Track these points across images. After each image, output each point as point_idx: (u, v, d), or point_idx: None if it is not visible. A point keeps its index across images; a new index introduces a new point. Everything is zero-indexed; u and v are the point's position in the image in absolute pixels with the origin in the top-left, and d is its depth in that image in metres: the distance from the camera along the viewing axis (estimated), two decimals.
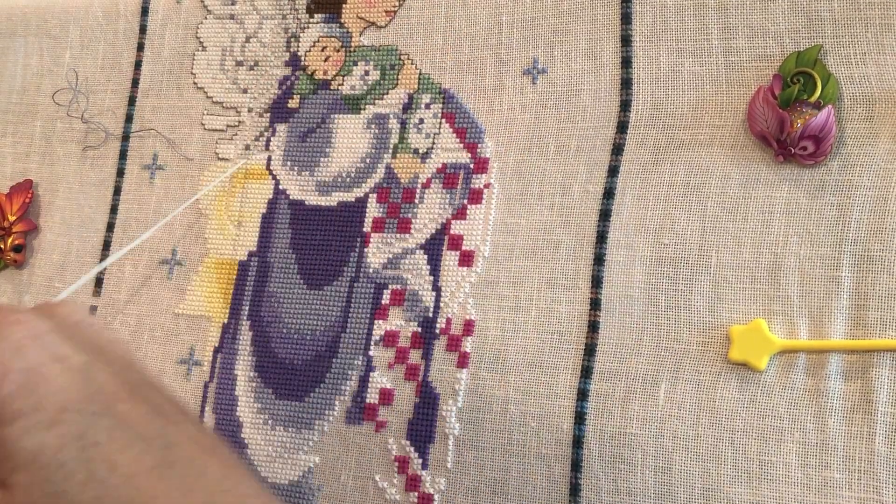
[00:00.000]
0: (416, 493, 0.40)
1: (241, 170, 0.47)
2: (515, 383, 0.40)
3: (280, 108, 0.47)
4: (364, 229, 0.44)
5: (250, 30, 0.48)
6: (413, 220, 0.43)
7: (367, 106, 0.45)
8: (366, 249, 0.44)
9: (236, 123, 0.47)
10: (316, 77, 0.46)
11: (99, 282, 0.49)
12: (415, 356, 0.42)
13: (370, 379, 0.42)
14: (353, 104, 0.45)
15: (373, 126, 0.45)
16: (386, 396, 0.42)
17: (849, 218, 0.36)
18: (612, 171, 0.40)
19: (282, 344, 0.44)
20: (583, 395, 0.38)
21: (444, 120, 0.44)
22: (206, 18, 0.49)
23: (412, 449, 0.41)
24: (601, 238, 0.40)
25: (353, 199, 0.45)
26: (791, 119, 0.37)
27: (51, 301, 0.30)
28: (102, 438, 0.26)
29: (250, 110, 0.47)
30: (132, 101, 0.50)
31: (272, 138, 0.47)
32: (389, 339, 0.42)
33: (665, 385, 0.37)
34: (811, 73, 0.37)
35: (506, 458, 0.39)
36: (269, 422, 0.43)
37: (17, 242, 0.50)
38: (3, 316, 0.28)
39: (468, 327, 0.41)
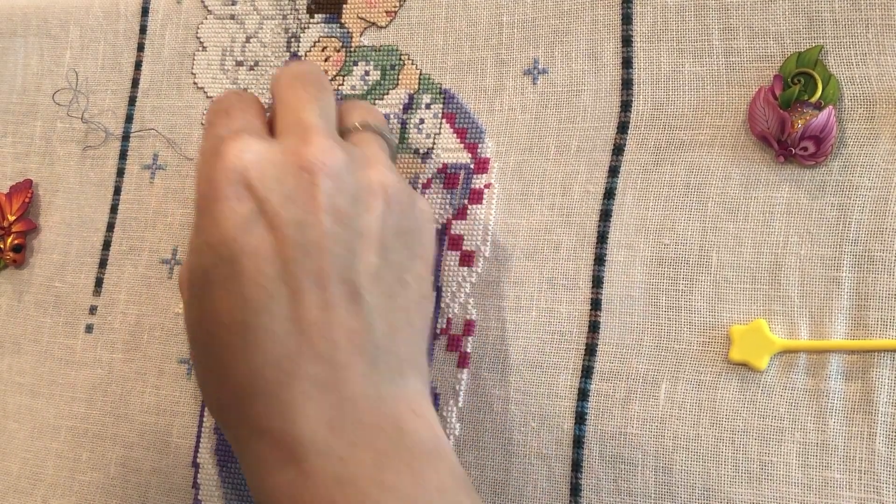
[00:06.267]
0: None
1: None
2: (516, 383, 0.40)
3: None
4: None
5: (251, 30, 0.48)
6: None
7: None
8: None
9: None
10: None
11: (99, 281, 0.48)
12: None
13: None
14: None
15: None
16: None
17: (849, 218, 0.36)
18: (613, 172, 0.40)
19: None
20: (583, 395, 0.39)
21: (444, 120, 0.44)
22: (206, 19, 0.49)
23: None
24: (602, 238, 0.40)
25: None
26: (792, 120, 0.37)
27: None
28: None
29: None
30: (132, 101, 0.50)
31: None
32: None
33: (665, 385, 0.37)
34: (812, 73, 0.37)
35: (506, 459, 0.39)
36: None
37: (16, 242, 0.50)
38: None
39: (469, 327, 0.41)
